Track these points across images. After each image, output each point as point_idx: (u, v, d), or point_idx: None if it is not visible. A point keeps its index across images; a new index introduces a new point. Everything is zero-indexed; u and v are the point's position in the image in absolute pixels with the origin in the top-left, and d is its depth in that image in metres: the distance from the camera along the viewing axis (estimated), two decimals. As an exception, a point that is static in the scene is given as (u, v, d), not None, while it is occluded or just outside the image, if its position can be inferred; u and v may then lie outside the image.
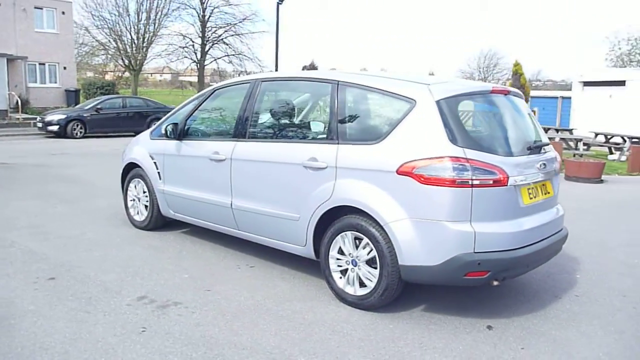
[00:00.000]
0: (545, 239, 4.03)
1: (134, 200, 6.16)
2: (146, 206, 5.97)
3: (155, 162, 5.74)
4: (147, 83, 60.26)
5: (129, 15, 35.68)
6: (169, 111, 20.88)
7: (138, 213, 6.11)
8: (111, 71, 45.29)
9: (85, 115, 19.01)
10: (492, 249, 3.63)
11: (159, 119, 20.83)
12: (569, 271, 5.12)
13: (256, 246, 5.12)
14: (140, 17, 35.81)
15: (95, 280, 4.45)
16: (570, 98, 25.26)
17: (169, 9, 37.33)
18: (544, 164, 4.11)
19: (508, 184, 3.70)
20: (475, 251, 3.59)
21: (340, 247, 4.11)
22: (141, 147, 6.03)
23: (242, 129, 4.84)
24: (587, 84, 23.77)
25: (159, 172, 5.70)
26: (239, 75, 45.07)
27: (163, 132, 5.60)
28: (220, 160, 4.92)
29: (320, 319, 3.84)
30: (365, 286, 3.98)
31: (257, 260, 5.08)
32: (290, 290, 4.39)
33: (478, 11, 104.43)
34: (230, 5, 39.33)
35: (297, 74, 4.92)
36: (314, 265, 4.67)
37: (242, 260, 5.08)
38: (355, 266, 4.03)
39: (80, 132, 18.72)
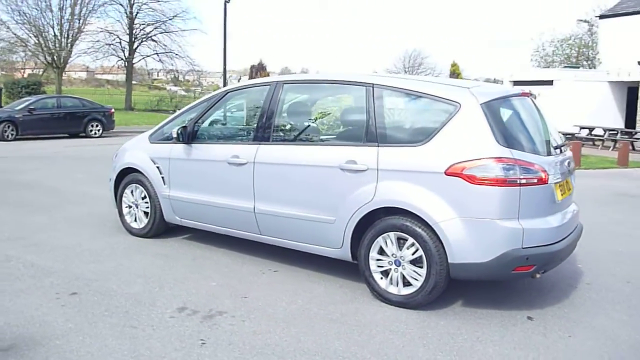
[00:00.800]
0: (572, 233, 4.29)
1: (130, 207, 5.88)
2: (146, 213, 5.73)
3: (158, 167, 5.51)
4: (69, 81, 57.11)
5: (51, 10, 33.64)
6: (106, 111, 20.20)
7: (136, 220, 5.84)
8: (29, 69, 42.57)
9: (17, 116, 17.78)
10: (537, 244, 3.82)
11: (97, 119, 20.13)
12: (569, 261, 5.44)
13: (270, 250, 5.08)
14: (64, 12, 33.88)
15: (122, 293, 4.23)
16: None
17: (94, 5, 35.64)
18: (569, 162, 4.37)
19: (548, 182, 3.90)
20: (523, 247, 3.76)
21: (381, 248, 4.16)
22: (140, 152, 5.77)
23: (266, 132, 4.76)
24: (517, 83, 25.14)
25: (162, 177, 5.48)
26: (168, 73, 43.85)
27: (168, 135, 5.40)
28: (240, 164, 4.82)
29: (371, 320, 3.88)
30: (410, 285, 4.05)
31: (278, 265, 5.02)
32: (327, 293, 4.38)
33: (405, 12, 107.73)
34: (159, 2, 38.12)
35: (323, 77, 4.89)
36: (338, 267, 4.74)
37: (263, 265, 5.00)
38: (398, 266, 4.09)
39: (12, 135, 17.49)
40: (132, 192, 5.84)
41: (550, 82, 23.45)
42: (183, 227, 5.63)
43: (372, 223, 4.19)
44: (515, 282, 4.67)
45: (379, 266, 4.19)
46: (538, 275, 3.95)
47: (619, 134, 20.78)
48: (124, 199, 5.93)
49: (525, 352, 3.47)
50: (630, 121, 25.84)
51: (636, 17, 25.47)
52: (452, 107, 3.95)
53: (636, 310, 4.21)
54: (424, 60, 64.02)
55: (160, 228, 5.73)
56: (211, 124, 5.39)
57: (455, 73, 23.02)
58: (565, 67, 26.49)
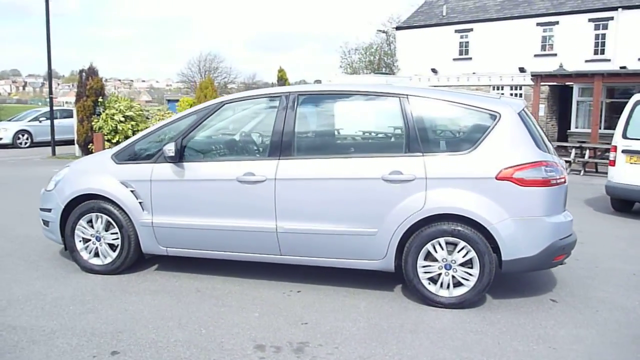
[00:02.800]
0: None
1: (88, 240, 4.95)
2: (111, 245, 4.89)
3: (133, 191, 4.75)
4: None
5: None
6: None
7: (99, 255, 4.94)
8: None
9: None
10: (566, 235, 4.35)
11: None
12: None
13: (264, 270, 4.88)
14: None
15: (172, 342, 3.61)
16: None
17: None
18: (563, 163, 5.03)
19: (566, 181, 4.48)
20: (560, 238, 4.27)
21: (428, 254, 4.29)
22: (102, 175, 4.89)
23: (285, 146, 4.47)
24: (334, 88, 27.11)
25: (140, 203, 4.74)
26: None
27: (145, 154, 4.72)
28: (256, 181, 4.46)
29: (446, 327, 3.97)
30: (462, 286, 4.26)
31: (295, 285, 4.76)
32: (375, 307, 4.32)
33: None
34: None
35: (344, 88, 4.75)
36: (356, 280, 4.77)
37: (280, 288, 4.69)
38: (449, 270, 4.27)
39: None
40: (90, 223, 4.92)
41: (366, 87, 25.76)
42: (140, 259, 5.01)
43: (416, 231, 4.27)
44: (530, 274, 5.07)
45: (425, 272, 4.31)
46: (566, 262, 4.50)
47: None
48: (77, 232, 4.95)
49: (560, 327, 3.96)
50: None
51: (427, 30, 29.36)
52: (493, 116, 4.26)
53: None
54: (220, 65, 63.70)
55: (131, 261, 4.94)
56: (207, 139, 4.83)
57: (282, 79, 23.70)
58: (377, 73, 29.23)
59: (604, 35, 23.70)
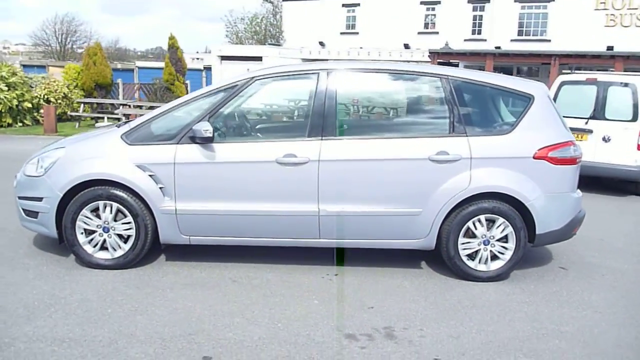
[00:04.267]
0: None
1: (92, 232, 4.36)
2: (121, 236, 4.37)
3: (152, 176, 4.26)
4: None
5: None
6: None
7: (108, 248, 4.38)
8: None
9: None
10: (580, 208, 4.77)
11: None
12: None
13: (278, 253, 4.77)
14: None
15: (259, 341, 3.37)
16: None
17: None
18: None
19: None
20: (578, 211, 4.67)
21: (467, 231, 4.44)
22: (112, 158, 4.30)
23: (327, 127, 4.30)
24: (225, 58, 26.10)
25: (161, 188, 4.28)
26: None
27: (167, 134, 4.26)
28: (298, 163, 4.25)
29: (499, 300, 4.16)
30: (498, 259, 4.50)
31: (326, 269, 4.65)
32: (420, 286, 4.37)
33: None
34: None
35: (386, 66, 4.58)
36: (384, 259, 4.82)
37: (314, 272, 4.56)
38: (487, 245, 4.47)
39: None
40: (95, 212, 4.33)
41: (259, 59, 25.19)
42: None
43: (459, 209, 4.40)
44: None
45: (465, 249, 4.47)
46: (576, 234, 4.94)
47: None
48: (78, 223, 4.33)
49: (589, 292, 4.41)
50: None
51: (314, 2, 29.45)
52: (527, 98, 4.48)
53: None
54: (79, 28, 58.24)
55: (145, 253, 4.47)
56: (238, 118, 4.43)
57: (174, 47, 22.27)
58: (270, 44, 28.76)
59: (481, 17, 25.72)
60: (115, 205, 4.31)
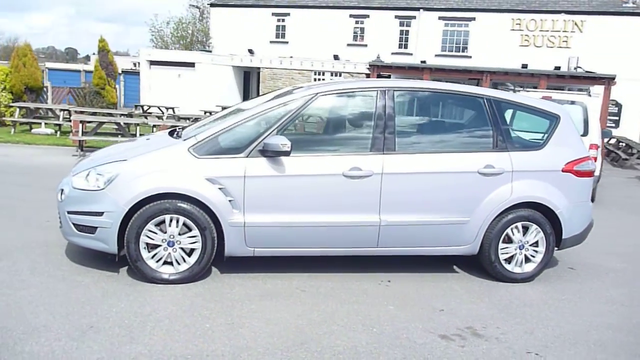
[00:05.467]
0: None
1: (156, 247, 4.30)
2: (184, 250, 4.35)
3: (222, 189, 4.30)
4: None
5: None
6: None
7: (173, 263, 4.33)
8: None
9: None
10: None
11: None
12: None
13: (323, 262, 4.93)
14: None
15: (373, 347, 3.56)
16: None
17: None
18: None
19: None
20: (591, 217, 5.31)
21: (506, 237, 4.90)
22: (182, 171, 4.27)
23: (388, 141, 4.57)
24: (154, 63, 25.31)
25: (230, 201, 4.32)
26: None
27: (235, 147, 4.34)
28: (363, 176, 4.48)
29: (545, 299, 4.64)
30: (530, 262, 5.00)
31: (379, 276, 4.90)
32: (469, 288, 4.76)
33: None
34: None
35: (434, 86, 4.88)
36: (405, 264, 5.17)
37: (369, 279, 4.79)
38: (522, 249, 4.96)
39: None
40: (159, 227, 4.28)
41: (191, 65, 24.71)
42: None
43: (500, 218, 4.85)
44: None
45: (503, 253, 4.92)
46: (586, 237, 5.56)
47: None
48: (143, 238, 4.25)
49: (592, 287, 5.05)
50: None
51: (243, 10, 29.41)
52: (555, 117, 5.04)
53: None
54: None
55: (208, 266, 4.48)
56: (304, 132, 4.56)
57: (105, 50, 21.22)
58: (202, 50, 28.17)
59: (407, 32, 27.03)
60: (182, 218, 4.28)
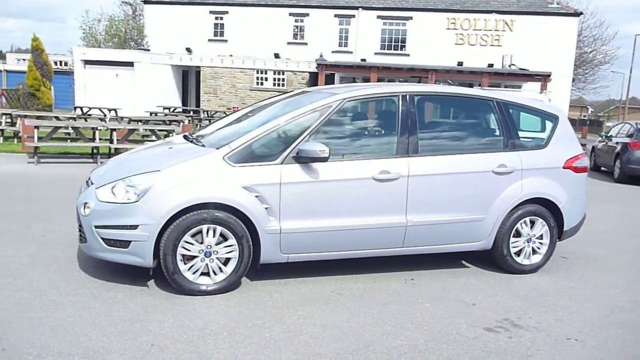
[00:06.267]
0: None
1: (192, 258, 4.23)
2: (220, 259, 4.31)
3: (258, 196, 4.29)
4: None
5: None
6: None
7: (209, 274, 4.27)
8: None
9: None
10: (583, 207, 5.84)
11: None
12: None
13: (344, 263, 5.04)
14: None
15: (428, 345, 3.71)
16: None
17: None
18: None
19: None
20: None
21: (516, 231, 5.22)
22: (219, 180, 4.21)
23: (411, 144, 4.73)
24: (89, 62, 24.15)
25: (267, 209, 4.32)
26: None
27: (270, 154, 4.35)
28: (391, 179, 4.62)
29: (558, 288, 4.96)
30: (536, 254, 5.34)
31: (401, 275, 5.07)
32: (491, 282, 5.03)
33: None
34: None
35: (448, 90, 5.04)
36: (415, 261, 5.41)
37: (393, 278, 4.94)
38: (529, 242, 5.29)
39: None
40: (198, 237, 4.21)
41: (130, 64, 23.81)
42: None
43: (511, 213, 5.15)
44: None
45: (514, 247, 5.24)
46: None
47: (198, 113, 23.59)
48: (180, 249, 4.17)
49: (590, 274, 5.51)
50: (185, 101, 29.32)
51: (180, 7, 28.67)
52: (554, 117, 5.40)
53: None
54: None
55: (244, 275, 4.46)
56: (334, 137, 4.59)
57: (39, 49, 19.93)
58: (139, 48, 27.10)
59: (347, 30, 27.43)
60: (219, 228, 4.23)
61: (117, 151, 11.28)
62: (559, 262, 5.75)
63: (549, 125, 5.44)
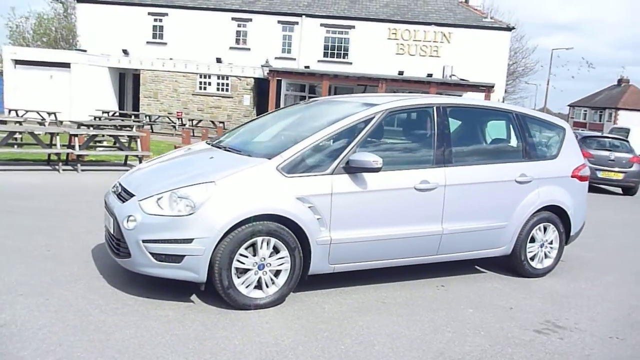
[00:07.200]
0: None
1: (246, 271, 4.13)
2: (272, 272, 4.24)
3: (311, 207, 4.26)
4: None
5: None
6: None
7: (262, 286, 4.19)
8: None
9: None
10: (579, 211, 6.26)
11: None
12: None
13: (383, 272, 5.13)
14: None
15: (504, 349, 3.85)
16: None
17: None
18: None
19: None
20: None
21: (532, 237, 5.51)
22: (274, 191, 4.13)
23: (446, 155, 4.88)
24: (20, 62, 22.59)
25: (318, 219, 4.31)
26: None
27: (320, 165, 4.34)
28: (430, 189, 4.75)
29: (573, 291, 5.29)
30: (548, 258, 5.67)
31: (430, 282, 5.20)
32: (511, 287, 5.28)
33: None
34: None
35: (473, 102, 5.21)
36: (446, 268, 5.63)
37: (423, 286, 5.06)
38: (542, 247, 5.60)
39: None
40: (250, 249, 4.12)
41: (66, 65, 22.51)
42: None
43: (528, 221, 5.43)
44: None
45: (529, 252, 5.53)
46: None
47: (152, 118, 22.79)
48: (234, 263, 4.06)
49: (585, 275, 5.96)
50: (122, 105, 28.17)
51: (115, 7, 27.53)
52: (562, 129, 5.76)
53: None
54: None
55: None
56: (377, 147, 4.63)
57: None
58: (76, 49, 25.58)
59: (290, 37, 27.46)
60: (272, 240, 4.16)
61: (80, 158, 10.68)
62: (560, 265, 6.11)
63: (559, 136, 5.79)
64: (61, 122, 17.85)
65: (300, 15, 27.12)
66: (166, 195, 4.06)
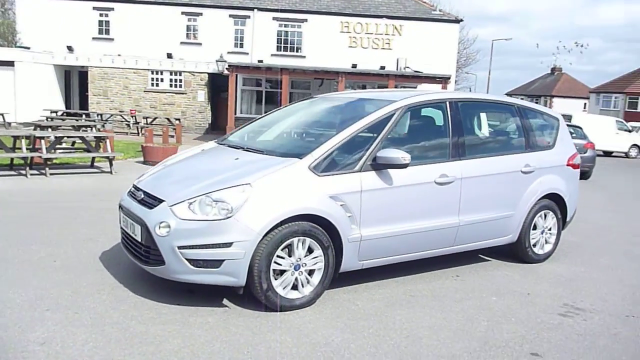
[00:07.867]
0: None
1: (283, 272, 4.11)
2: (306, 272, 4.25)
3: (343, 205, 4.29)
4: None
5: None
6: None
7: (298, 287, 4.18)
8: None
9: None
10: (571, 199, 6.57)
11: None
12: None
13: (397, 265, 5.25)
14: None
15: (540, 334, 4.02)
16: None
17: None
18: None
19: None
20: (575, 201, 6.48)
21: (534, 224, 5.76)
22: (308, 191, 4.12)
23: (460, 148, 5.01)
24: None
25: (349, 217, 4.34)
26: None
27: (349, 163, 4.37)
28: (448, 182, 4.88)
29: (578, 275, 5.58)
30: (548, 243, 5.94)
31: (443, 273, 5.34)
32: (520, 273, 5.50)
33: None
34: None
35: (481, 96, 5.33)
36: (452, 258, 5.80)
37: (439, 277, 5.20)
38: (542, 234, 5.87)
39: None
40: (290, 250, 4.11)
41: (10, 64, 21.29)
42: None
43: (531, 209, 5.67)
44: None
45: (532, 239, 5.78)
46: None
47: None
48: (272, 265, 4.03)
49: (582, 259, 6.32)
50: (68, 104, 26.98)
51: (58, 2, 26.25)
52: (556, 121, 6.03)
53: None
54: None
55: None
56: (399, 143, 4.67)
57: None
58: (19, 46, 24.13)
59: (242, 31, 27.06)
60: (307, 240, 4.16)
61: (48, 161, 10.19)
62: (556, 250, 6.41)
63: (554, 126, 6.06)
64: (9, 123, 16.93)
65: (252, 9, 26.78)
66: (200, 200, 3.98)
